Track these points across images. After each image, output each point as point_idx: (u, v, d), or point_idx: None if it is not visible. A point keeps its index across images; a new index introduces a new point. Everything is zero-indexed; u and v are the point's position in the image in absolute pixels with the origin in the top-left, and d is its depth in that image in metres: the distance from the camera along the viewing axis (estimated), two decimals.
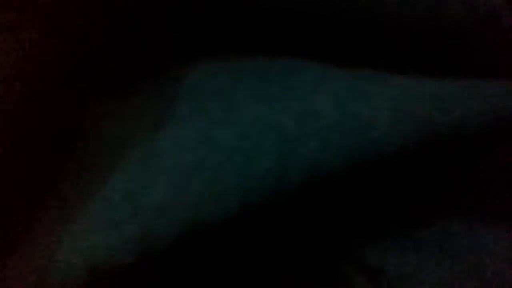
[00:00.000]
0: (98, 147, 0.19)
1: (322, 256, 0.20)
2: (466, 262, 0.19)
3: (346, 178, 0.18)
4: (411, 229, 0.20)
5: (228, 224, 0.17)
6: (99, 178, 0.18)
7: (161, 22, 0.21)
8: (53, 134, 0.19)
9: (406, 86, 0.19)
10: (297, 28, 0.20)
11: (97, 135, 0.19)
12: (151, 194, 0.17)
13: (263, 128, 0.18)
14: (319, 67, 0.20)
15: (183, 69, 0.20)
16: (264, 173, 0.18)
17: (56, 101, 0.19)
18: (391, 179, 0.19)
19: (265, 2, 0.20)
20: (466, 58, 0.20)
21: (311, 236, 0.20)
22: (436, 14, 0.19)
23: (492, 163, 0.20)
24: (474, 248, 0.19)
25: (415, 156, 0.18)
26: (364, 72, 0.19)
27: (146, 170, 0.18)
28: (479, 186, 0.20)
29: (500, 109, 0.18)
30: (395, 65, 0.20)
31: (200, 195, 0.17)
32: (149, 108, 0.20)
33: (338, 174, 0.18)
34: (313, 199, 0.19)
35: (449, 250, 0.19)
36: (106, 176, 0.18)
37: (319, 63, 0.20)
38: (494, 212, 0.20)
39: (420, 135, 0.18)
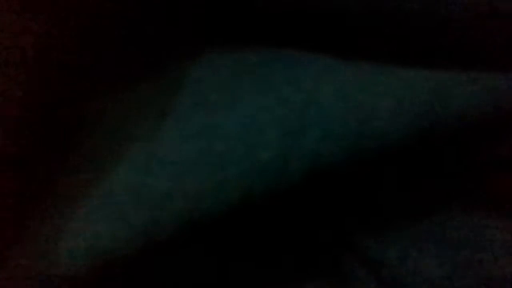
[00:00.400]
0: (102, 138, 0.19)
1: (324, 248, 0.20)
2: (466, 254, 0.19)
3: (348, 168, 0.18)
4: (412, 221, 0.20)
5: (230, 214, 0.18)
6: (103, 169, 0.18)
7: (163, 15, 0.21)
8: (56, 125, 0.19)
9: (407, 78, 0.19)
10: (299, 22, 0.20)
11: (101, 126, 0.20)
12: (154, 184, 0.17)
13: (265, 119, 0.18)
14: (321, 59, 0.20)
15: (186, 62, 0.20)
16: (266, 163, 0.18)
17: (58, 93, 0.19)
18: (392, 169, 0.19)
19: None
20: (466, 51, 0.20)
21: (313, 227, 0.20)
22: (436, 8, 0.19)
23: (493, 156, 0.20)
24: (475, 240, 0.19)
25: (416, 146, 0.18)
26: (365, 64, 0.20)
27: (150, 161, 0.18)
28: (480, 177, 0.20)
29: (500, 101, 0.18)
30: (396, 58, 0.20)
31: (203, 185, 0.17)
32: (152, 100, 0.20)
33: (339, 164, 0.18)
34: (315, 190, 0.19)
35: (450, 243, 0.19)
36: (110, 166, 0.18)
37: (322, 55, 0.20)
38: (494, 205, 0.20)
39: (421, 126, 0.18)
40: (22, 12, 0.18)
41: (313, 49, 0.20)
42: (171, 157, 0.18)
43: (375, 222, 0.20)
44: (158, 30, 0.21)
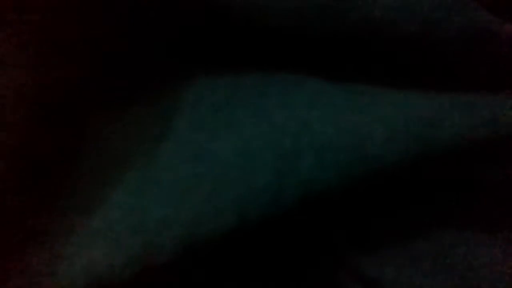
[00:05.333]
0: (99, 162, 0.19)
1: (320, 267, 0.20)
2: (460, 273, 0.19)
3: (342, 192, 0.18)
4: (407, 241, 0.20)
5: (227, 237, 0.18)
6: (100, 193, 0.18)
7: (160, 37, 0.21)
8: (53, 148, 0.19)
9: (399, 102, 0.19)
10: (294, 44, 0.20)
11: (97, 150, 0.20)
12: (151, 209, 0.18)
13: (260, 144, 0.18)
14: (315, 82, 0.20)
15: (182, 84, 0.21)
16: (262, 188, 0.18)
17: (56, 114, 0.19)
18: (386, 192, 0.19)
19: (262, 19, 0.20)
20: (461, 73, 0.20)
21: (309, 247, 0.20)
22: (430, 31, 0.19)
23: (486, 176, 0.20)
24: (468, 259, 0.20)
25: (409, 171, 0.19)
26: (359, 88, 0.20)
27: (146, 186, 0.18)
28: (472, 199, 0.20)
29: (491, 124, 0.18)
30: (390, 79, 0.20)
31: (199, 209, 0.18)
32: (148, 123, 0.20)
33: (333, 189, 0.18)
34: (310, 213, 0.19)
35: (444, 262, 0.20)
36: (106, 191, 0.18)
37: (315, 78, 0.20)
38: (488, 224, 0.20)
39: (413, 152, 0.18)
40: (23, 34, 0.18)
41: (305, 70, 0.20)
42: (167, 182, 0.18)
43: (370, 241, 0.20)
44: (154, 53, 0.21)
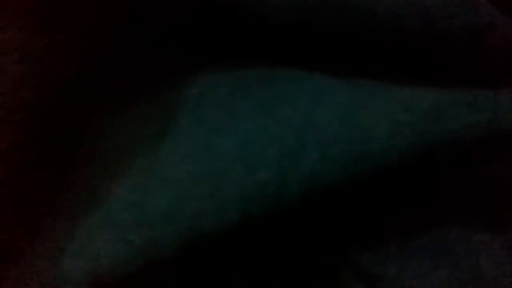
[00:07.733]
0: (102, 157, 0.19)
1: (322, 263, 0.20)
2: (463, 269, 0.19)
3: (346, 188, 0.18)
4: (410, 236, 0.20)
5: (230, 232, 0.18)
6: (103, 188, 0.18)
7: (162, 31, 0.21)
8: (55, 143, 0.19)
9: (404, 98, 0.19)
10: (298, 39, 0.20)
11: (100, 144, 0.20)
12: (154, 204, 0.18)
13: (263, 139, 0.18)
14: (319, 77, 0.20)
15: (184, 79, 0.21)
16: (265, 183, 0.18)
17: (57, 109, 0.19)
18: (389, 188, 0.19)
19: (266, 13, 0.20)
20: (463, 68, 0.20)
21: (312, 243, 0.20)
22: (433, 27, 0.19)
23: (489, 173, 0.20)
24: (471, 255, 0.20)
25: (413, 166, 0.19)
26: (363, 83, 0.20)
27: (149, 180, 0.18)
28: (476, 195, 0.20)
29: (496, 121, 0.18)
30: (394, 75, 0.20)
31: (202, 204, 0.18)
32: (151, 118, 0.20)
33: (337, 184, 0.18)
34: (313, 208, 0.19)
35: (447, 258, 0.20)
36: (109, 186, 0.18)
37: (319, 73, 0.20)
38: (490, 219, 0.20)
39: (418, 147, 0.18)
40: (24, 29, 0.18)
41: (310, 65, 0.20)
42: (171, 177, 0.18)
43: (373, 238, 0.20)
44: (156, 46, 0.21)
